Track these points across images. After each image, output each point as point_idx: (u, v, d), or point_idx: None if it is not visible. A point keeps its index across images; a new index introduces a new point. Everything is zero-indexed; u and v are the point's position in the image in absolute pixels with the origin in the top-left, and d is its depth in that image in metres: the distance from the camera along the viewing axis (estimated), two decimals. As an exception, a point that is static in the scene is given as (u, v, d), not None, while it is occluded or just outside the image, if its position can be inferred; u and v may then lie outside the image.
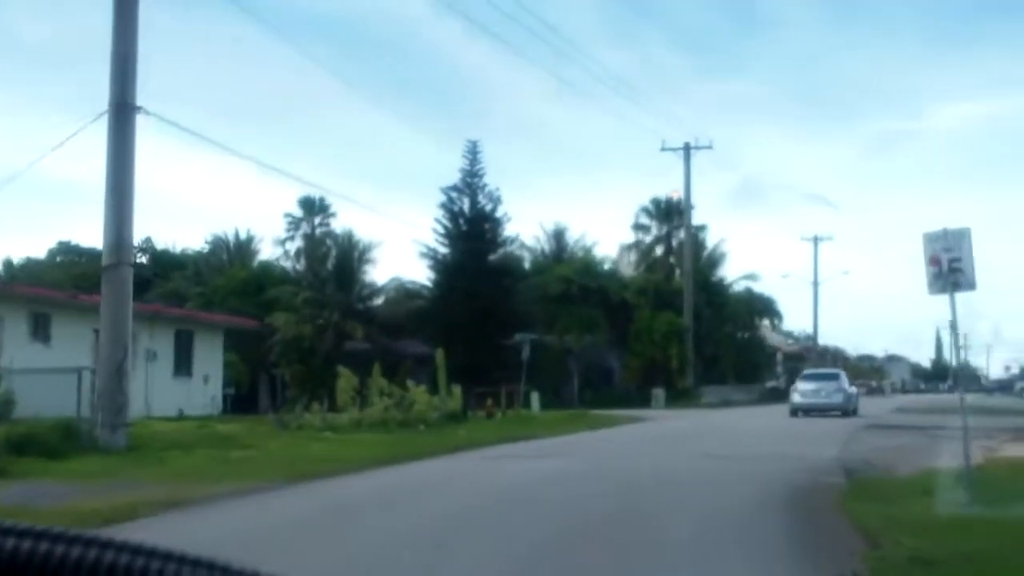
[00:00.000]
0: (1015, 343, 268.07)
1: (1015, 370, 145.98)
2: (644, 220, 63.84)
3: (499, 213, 53.17)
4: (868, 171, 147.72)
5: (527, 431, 28.10)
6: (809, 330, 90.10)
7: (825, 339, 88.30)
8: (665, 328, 54.87)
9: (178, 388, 37.69)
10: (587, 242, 65.88)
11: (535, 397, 41.83)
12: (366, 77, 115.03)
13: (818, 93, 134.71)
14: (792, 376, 75.91)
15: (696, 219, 60.59)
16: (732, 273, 66.85)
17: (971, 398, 64.64)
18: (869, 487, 13.15)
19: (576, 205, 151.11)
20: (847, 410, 37.76)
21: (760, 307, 66.41)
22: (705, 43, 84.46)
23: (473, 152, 53.22)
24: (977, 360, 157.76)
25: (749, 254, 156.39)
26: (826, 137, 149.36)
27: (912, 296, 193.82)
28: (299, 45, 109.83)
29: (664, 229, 63.42)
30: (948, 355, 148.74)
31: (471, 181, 53.23)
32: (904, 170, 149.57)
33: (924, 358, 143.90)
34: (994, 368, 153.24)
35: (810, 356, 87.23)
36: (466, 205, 53.33)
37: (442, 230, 53.43)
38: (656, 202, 63.42)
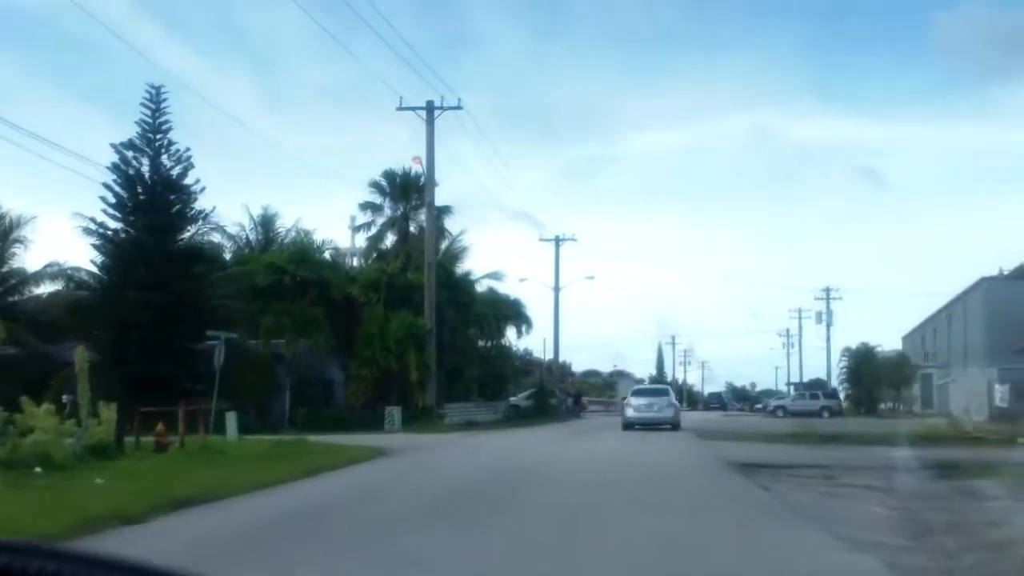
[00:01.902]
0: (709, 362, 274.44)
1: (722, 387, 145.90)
2: (376, 198, 52.28)
3: (189, 180, 41.19)
4: (577, 192, 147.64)
5: (211, 481, 16.91)
6: (527, 345, 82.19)
7: (546, 354, 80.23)
8: (402, 331, 43.81)
9: None
10: (303, 227, 54.42)
11: (232, 418, 30.40)
12: (60, 76, 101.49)
13: (528, 113, 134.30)
14: (540, 392, 67.78)
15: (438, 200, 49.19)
16: (475, 271, 56.56)
17: (727, 417, 58.01)
18: None
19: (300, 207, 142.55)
20: (675, 424, 40.22)
21: (508, 311, 56.44)
22: (414, 58, 78.58)
23: (155, 101, 40.92)
24: (691, 378, 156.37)
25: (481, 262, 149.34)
26: (536, 157, 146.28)
27: (627, 312, 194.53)
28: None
29: (400, 210, 51.99)
30: (669, 371, 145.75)
31: (153, 137, 40.87)
32: (606, 193, 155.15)
33: (645, 374, 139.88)
34: (709, 386, 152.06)
35: (550, 371, 79.19)
36: (146, 167, 40.89)
37: (113, 199, 40.73)
38: (390, 175, 51.40)
